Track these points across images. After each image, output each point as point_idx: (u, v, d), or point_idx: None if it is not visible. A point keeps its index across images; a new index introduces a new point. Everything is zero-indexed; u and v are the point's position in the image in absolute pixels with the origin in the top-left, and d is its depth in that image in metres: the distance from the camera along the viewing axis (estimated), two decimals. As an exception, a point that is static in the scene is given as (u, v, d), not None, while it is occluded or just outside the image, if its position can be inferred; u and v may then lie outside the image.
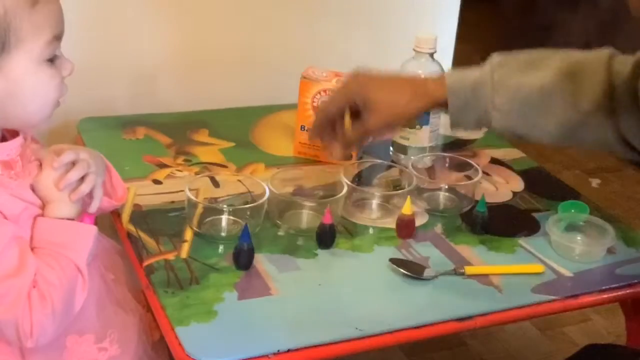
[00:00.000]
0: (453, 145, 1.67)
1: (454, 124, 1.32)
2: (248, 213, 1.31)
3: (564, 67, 1.24)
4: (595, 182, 2.81)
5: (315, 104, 1.52)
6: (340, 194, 1.34)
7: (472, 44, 3.55)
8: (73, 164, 1.08)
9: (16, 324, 1.00)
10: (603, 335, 2.09)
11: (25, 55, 1.03)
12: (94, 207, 1.11)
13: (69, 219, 1.07)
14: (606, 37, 2.97)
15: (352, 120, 1.34)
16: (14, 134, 1.10)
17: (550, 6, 3.22)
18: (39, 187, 1.07)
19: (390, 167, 1.53)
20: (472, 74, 1.29)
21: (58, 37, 1.06)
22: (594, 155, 3.00)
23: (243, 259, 1.21)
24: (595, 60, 1.23)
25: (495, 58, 1.29)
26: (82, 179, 1.09)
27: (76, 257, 1.05)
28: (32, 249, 1.04)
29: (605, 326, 2.13)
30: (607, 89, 1.20)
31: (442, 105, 1.30)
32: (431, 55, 1.53)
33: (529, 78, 1.24)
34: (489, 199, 1.39)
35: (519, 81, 1.25)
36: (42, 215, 1.07)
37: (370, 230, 1.36)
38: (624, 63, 1.20)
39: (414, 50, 1.53)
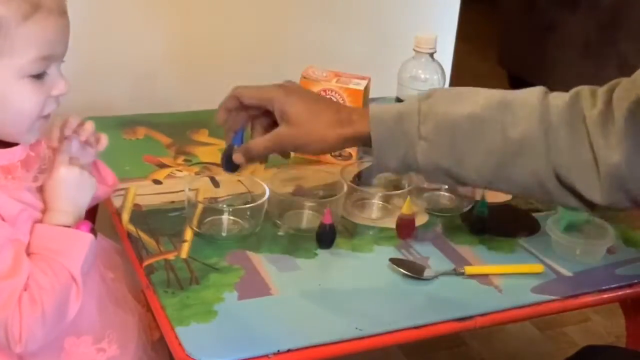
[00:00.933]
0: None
1: (378, 163, 1.18)
2: (248, 213, 1.31)
3: (495, 98, 1.15)
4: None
5: (315, 104, 1.52)
6: (340, 194, 1.34)
7: (472, 44, 3.56)
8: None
9: (5, 327, 0.99)
10: (603, 335, 2.09)
11: (6, 67, 1.01)
12: (102, 144, 1.17)
13: (66, 227, 1.07)
14: (606, 37, 2.98)
15: (260, 130, 1.23)
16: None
17: (550, 6, 3.22)
18: (46, 188, 1.08)
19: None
20: (397, 106, 1.20)
21: (48, 58, 1.03)
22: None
23: (232, 162, 1.22)
24: (528, 93, 1.15)
25: (419, 93, 1.20)
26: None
27: (70, 265, 1.05)
28: (28, 255, 1.04)
29: (605, 326, 2.13)
30: (541, 121, 1.12)
31: (366, 139, 1.17)
32: (431, 55, 1.53)
33: (458, 107, 1.15)
34: (489, 199, 1.39)
35: (447, 110, 1.14)
36: (41, 220, 1.08)
37: (370, 231, 1.36)
38: (560, 97, 1.15)
39: (414, 50, 1.53)
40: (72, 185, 1.09)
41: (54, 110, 1.08)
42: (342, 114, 1.19)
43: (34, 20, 1.01)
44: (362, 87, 1.51)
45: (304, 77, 1.53)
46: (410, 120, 1.15)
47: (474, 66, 3.57)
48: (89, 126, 1.15)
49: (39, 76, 1.04)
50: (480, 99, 1.16)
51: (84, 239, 1.08)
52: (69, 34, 1.07)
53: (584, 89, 1.14)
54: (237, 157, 1.21)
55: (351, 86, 1.51)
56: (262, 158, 1.23)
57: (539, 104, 1.12)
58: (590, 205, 1.13)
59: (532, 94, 1.15)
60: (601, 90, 1.13)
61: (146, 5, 1.73)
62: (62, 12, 1.05)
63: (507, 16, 3.52)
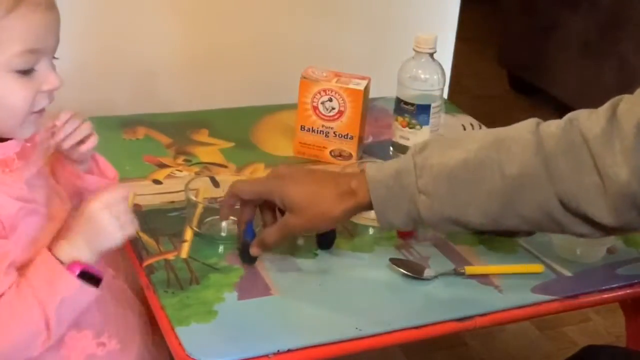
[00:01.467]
0: (453, 145, 1.67)
1: (383, 222, 1.17)
2: (248, 213, 1.31)
3: (487, 140, 1.14)
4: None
5: (315, 104, 1.52)
6: (340, 194, 1.33)
7: (472, 44, 3.56)
8: None
9: None
10: (603, 335, 2.09)
11: None
12: (90, 143, 1.15)
13: (61, 261, 1.05)
14: (606, 38, 2.98)
15: (271, 218, 1.22)
16: None
17: (550, 6, 3.22)
18: (75, 216, 1.08)
19: (389, 167, 1.53)
20: (392, 164, 1.17)
21: (34, 52, 1.02)
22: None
23: (248, 254, 1.22)
24: (520, 128, 1.13)
25: (413, 147, 1.18)
26: None
27: (49, 302, 1.02)
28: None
29: (605, 326, 2.13)
30: (537, 152, 1.09)
31: (368, 204, 1.17)
32: (431, 55, 1.53)
33: (452, 155, 1.13)
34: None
35: (442, 160, 1.13)
36: (41, 213, 1.08)
37: (370, 231, 1.35)
38: (554, 124, 1.13)
39: (414, 50, 1.53)
40: (95, 226, 1.07)
41: (47, 105, 1.07)
42: (342, 187, 1.17)
43: (18, 13, 0.99)
44: (362, 87, 1.51)
45: (304, 77, 1.53)
46: (408, 176, 1.14)
47: (474, 66, 3.57)
48: (68, 118, 1.13)
49: (26, 72, 1.02)
50: (472, 142, 1.14)
51: (67, 282, 1.04)
52: (58, 28, 1.05)
53: (580, 112, 1.13)
54: (255, 251, 1.21)
55: (351, 86, 1.51)
56: (277, 246, 1.22)
57: (532, 136, 1.11)
58: (604, 229, 1.10)
59: (524, 128, 1.13)
60: (602, 109, 1.11)
61: (146, 6, 1.73)
62: (50, 6, 1.03)
63: (507, 16, 3.52)
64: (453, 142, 1.17)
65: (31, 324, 1.02)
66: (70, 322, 1.07)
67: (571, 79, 3.09)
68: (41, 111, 1.08)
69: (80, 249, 1.06)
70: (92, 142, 1.16)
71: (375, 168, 1.17)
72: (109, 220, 1.07)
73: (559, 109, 3.20)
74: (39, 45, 1.03)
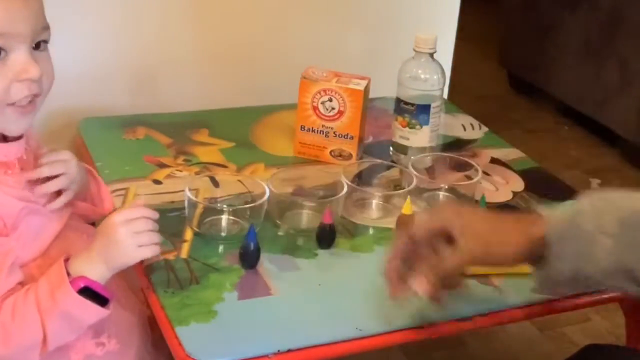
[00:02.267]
0: (453, 145, 1.67)
1: (552, 263, 1.05)
2: (248, 213, 1.31)
3: None
4: (595, 183, 2.81)
5: (315, 104, 1.52)
6: (341, 194, 1.34)
7: (472, 44, 3.56)
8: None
9: None
10: (603, 335, 2.09)
11: None
12: (56, 204, 1.10)
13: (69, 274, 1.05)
14: (606, 38, 2.98)
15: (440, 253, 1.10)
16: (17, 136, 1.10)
17: (550, 6, 3.22)
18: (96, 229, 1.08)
19: (390, 167, 1.53)
20: (568, 206, 1.09)
21: (1, 35, 1.00)
22: (594, 155, 3.00)
23: (249, 259, 1.22)
24: None
25: (588, 194, 1.08)
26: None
27: (46, 315, 1.02)
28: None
29: (605, 326, 2.13)
30: None
31: (539, 242, 1.06)
32: (431, 55, 1.53)
33: (635, 201, 1.04)
34: (489, 199, 1.39)
35: (626, 205, 1.04)
36: (42, 213, 1.08)
37: (370, 230, 1.35)
38: None
39: (414, 50, 1.53)
40: (111, 240, 1.07)
41: (26, 97, 1.04)
42: (516, 221, 1.09)
43: None
44: (362, 87, 1.51)
45: (304, 77, 1.53)
46: (587, 216, 1.04)
47: (474, 66, 3.57)
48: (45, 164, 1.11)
49: None
50: None
51: (66, 295, 1.04)
52: (34, 15, 1.03)
53: None
54: (424, 287, 1.06)
55: (351, 86, 1.51)
56: (457, 281, 1.12)
57: None
58: None
59: None
60: None
61: (146, 5, 1.73)
62: None
63: (507, 16, 3.52)
64: (629, 193, 1.07)
65: (29, 335, 1.02)
66: (71, 337, 1.07)
67: (571, 79, 3.09)
68: (28, 107, 1.06)
69: (94, 263, 1.06)
70: (59, 182, 1.12)
71: (549, 209, 1.10)
72: (125, 235, 1.06)
73: (559, 109, 3.21)
74: (7, 30, 1.00)
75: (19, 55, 1.02)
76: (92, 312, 1.06)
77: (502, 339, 2.04)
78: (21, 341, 1.03)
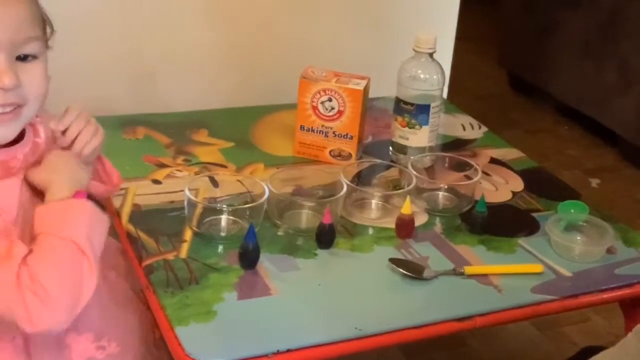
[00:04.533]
0: (453, 145, 1.67)
1: None
2: (247, 213, 1.31)
3: None
4: (595, 182, 2.81)
5: (314, 104, 1.52)
6: (340, 194, 1.34)
7: (472, 44, 3.55)
8: None
9: (10, 310, 0.97)
10: (602, 336, 2.08)
11: None
12: (88, 148, 1.11)
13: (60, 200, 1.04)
14: (606, 38, 2.98)
15: None
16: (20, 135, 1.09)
17: (550, 6, 3.22)
18: (40, 170, 1.06)
19: (389, 167, 1.53)
20: None
21: None
22: (593, 154, 3.00)
23: (248, 258, 1.21)
24: None
25: None
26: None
27: (73, 235, 1.00)
28: (32, 238, 1.02)
29: (604, 326, 2.12)
30: None
31: None
32: (431, 55, 1.53)
33: None
34: (488, 199, 1.39)
35: None
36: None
37: (370, 230, 1.35)
38: None
39: (414, 50, 1.52)
40: (62, 164, 1.07)
41: (4, 104, 1.01)
42: None
43: None
44: (361, 87, 1.51)
45: (304, 77, 1.52)
46: None
47: (473, 66, 3.56)
48: (71, 120, 1.10)
49: None
50: None
51: (80, 206, 1.04)
52: (14, 22, 1.00)
53: None
54: None
55: (351, 86, 1.51)
56: None
57: None
58: None
59: None
60: None
61: (145, 5, 1.73)
62: None
63: (507, 16, 3.51)
64: None
65: (69, 255, 1.00)
66: (100, 246, 1.05)
67: (571, 79, 3.08)
68: (6, 115, 1.02)
69: (64, 188, 1.05)
70: (96, 142, 1.13)
71: None
72: (69, 155, 1.08)
73: (559, 109, 3.21)
74: None
75: None
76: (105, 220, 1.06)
77: (502, 339, 2.04)
78: (62, 261, 1.00)
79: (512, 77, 3.53)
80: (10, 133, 1.06)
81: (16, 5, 1.01)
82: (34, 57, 1.04)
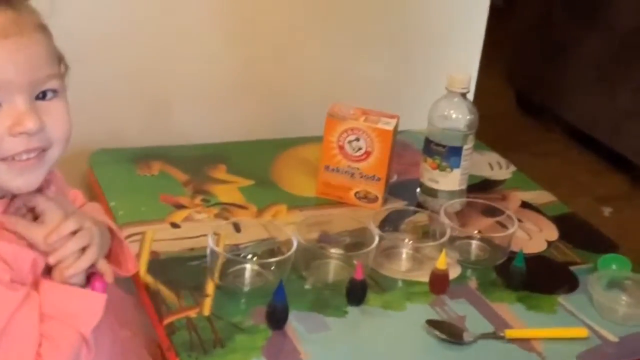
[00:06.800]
0: (481, 186, 1.60)
1: None
2: (273, 267, 1.23)
3: None
4: (607, 211, 2.75)
5: (341, 143, 1.44)
6: (372, 247, 1.26)
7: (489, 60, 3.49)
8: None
9: None
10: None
11: None
12: (109, 278, 1.01)
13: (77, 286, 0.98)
14: (620, 61, 2.91)
15: None
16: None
17: (565, 24, 3.15)
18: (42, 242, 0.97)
19: (416, 211, 1.45)
20: None
21: None
22: (605, 181, 2.94)
23: (277, 319, 1.15)
24: None
25: None
26: (82, 250, 0.98)
27: (83, 327, 0.96)
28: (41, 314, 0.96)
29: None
30: None
31: None
32: (463, 95, 1.45)
33: None
34: (522, 249, 1.31)
35: None
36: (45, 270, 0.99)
37: (400, 283, 1.28)
38: None
39: (447, 89, 1.45)
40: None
41: (25, 152, 0.93)
42: None
43: None
44: (391, 127, 1.43)
45: (330, 115, 1.44)
46: None
47: (479, 83, 3.49)
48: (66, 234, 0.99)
49: None
50: None
51: (98, 301, 0.98)
52: (32, 61, 0.92)
53: None
54: None
55: (380, 125, 1.43)
56: None
57: None
58: None
59: None
60: None
61: (161, 32, 1.65)
62: (6, 34, 0.91)
63: (517, 32, 3.44)
64: None
65: (75, 343, 0.96)
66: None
67: (583, 102, 3.02)
68: (30, 161, 0.94)
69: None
70: (83, 264, 0.98)
71: None
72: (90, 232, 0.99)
73: (570, 133, 3.13)
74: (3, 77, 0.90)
75: (14, 106, 0.92)
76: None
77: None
78: (69, 349, 0.95)
79: (520, 96, 3.46)
80: (35, 180, 0.98)
81: (32, 47, 0.93)
82: (54, 92, 0.96)
